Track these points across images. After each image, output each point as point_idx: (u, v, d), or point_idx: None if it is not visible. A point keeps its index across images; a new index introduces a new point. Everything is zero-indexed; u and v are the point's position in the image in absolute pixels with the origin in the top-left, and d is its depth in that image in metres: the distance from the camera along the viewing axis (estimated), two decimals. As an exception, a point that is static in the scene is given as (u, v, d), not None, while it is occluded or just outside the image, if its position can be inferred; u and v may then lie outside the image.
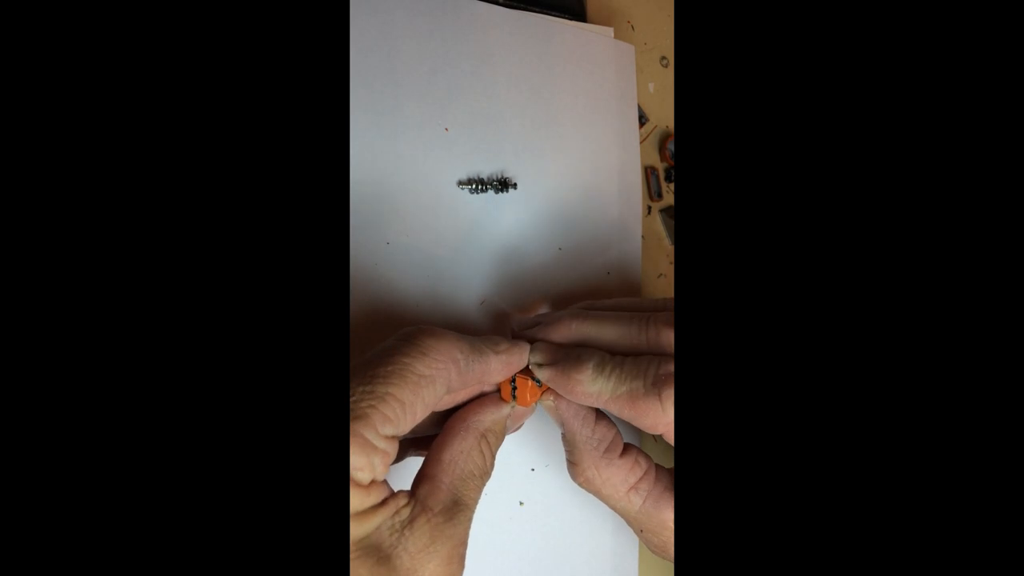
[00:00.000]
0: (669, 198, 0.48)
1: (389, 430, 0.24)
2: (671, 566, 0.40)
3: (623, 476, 0.31)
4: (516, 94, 0.41)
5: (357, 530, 0.23)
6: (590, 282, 0.42)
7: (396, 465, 0.33)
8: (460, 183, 0.39)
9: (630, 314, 0.32)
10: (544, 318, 0.34)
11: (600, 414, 0.32)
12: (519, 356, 0.31)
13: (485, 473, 0.29)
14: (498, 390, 0.32)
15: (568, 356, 0.31)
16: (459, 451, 0.28)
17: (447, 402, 0.31)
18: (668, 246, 0.47)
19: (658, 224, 0.47)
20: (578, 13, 0.44)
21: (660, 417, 0.28)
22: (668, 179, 0.48)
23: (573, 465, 0.32)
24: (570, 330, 0.32)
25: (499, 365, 0.30)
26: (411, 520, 0.24)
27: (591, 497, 0.33)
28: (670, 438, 0.29)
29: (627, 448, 0.32)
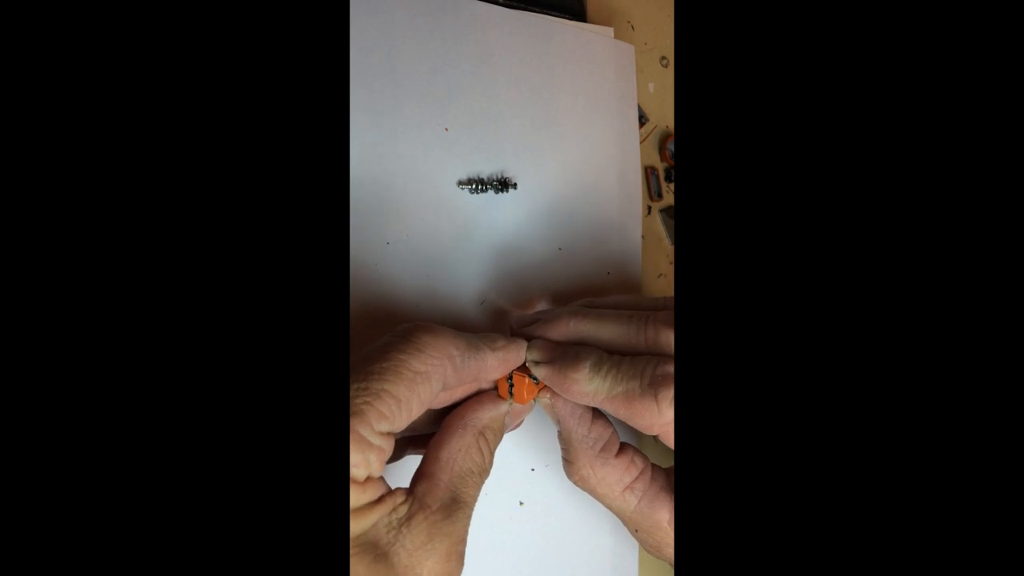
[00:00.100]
0: (669, 198, 0.48)
1: (385, 426, 0.24)
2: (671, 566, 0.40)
3: (618, 475, 0.31)
4: (516, 94, 0.41)
5: (354, 527, 0.23)
6: (590, 282, 0.42)
7: (394, 464, 0.33)
8: (460, 183, 0.39)
9: (629, 313, 0.31)
10: (543, 315, 0.34)
11: (597, 413, 0.32)
12: (516, 353, 0.31)
13: (484, 471, 0.29)
14: (495, 387, 0.32)
15: (565, 354, 0.31)
16: (457, 449, 0.28)
17: (444, 399, 0.31)
18: (668, 246, 0.47)
19: (658, 224, 0.47)
20: (578, 13, 0.44)
21: (656, 418, 0.28)
22: (668, 179, 0.48)
23: (569, 463, 0.32)
24: (568, 328, 0.32)
25: (496, 362, 0.30)
26: (409, 517, 0.24)
27: (591, 497, 0.33)
28: (666, 439, 0.29)
29: (623, 447, 0.32)
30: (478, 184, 0.39)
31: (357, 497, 0.23)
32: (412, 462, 0.29)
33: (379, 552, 0.23)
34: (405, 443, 0.32)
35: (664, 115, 0.48)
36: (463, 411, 0.30)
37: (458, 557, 0.26)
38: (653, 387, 0.28)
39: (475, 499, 0.28)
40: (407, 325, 0.28)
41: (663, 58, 0.49)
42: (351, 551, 0.23)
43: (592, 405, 0.31)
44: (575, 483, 0.32)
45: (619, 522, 0.33)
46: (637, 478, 0.31)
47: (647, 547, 0.32)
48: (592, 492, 0.32)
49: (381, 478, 0.25)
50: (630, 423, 0.29)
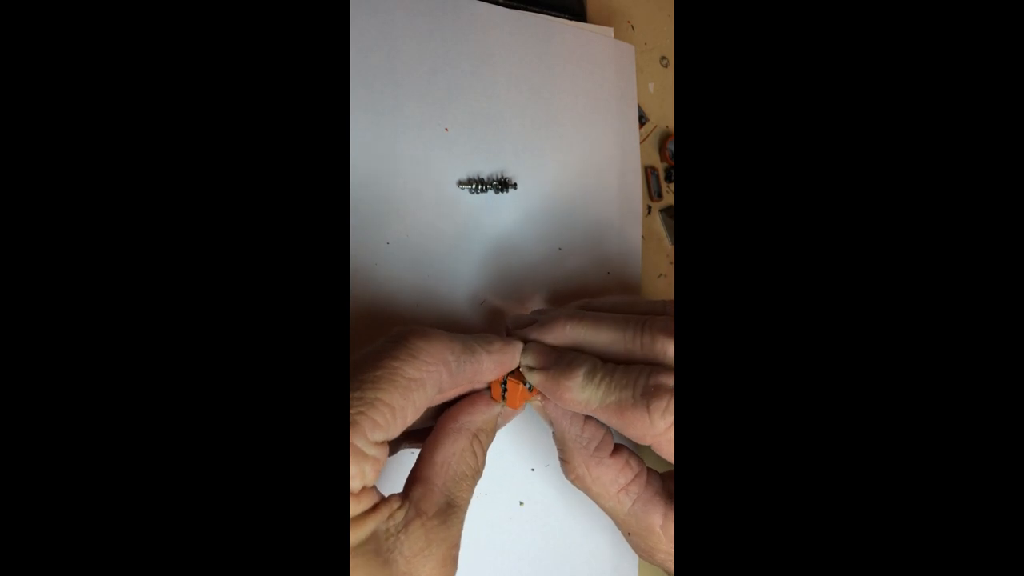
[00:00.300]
0: (669, 198, 0.48)
1: (379, 436, 0.24)
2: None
3: (612, 476, 0.31)
4: (516, 94, 0.41)
5: (351, 536, 0.23)
6: (590, 282, 0.42)
7: (389, 459, 0.33)
8: (460, 183, 0.39)
9: (626, 317, 0.31)
10: (539, 316, 0.33)
11: None
12: (511, 356, 0.31)
13: (477, 473, 0.29)
14: (488, 388, 0.32)
15: (559, 361, 0.30)
16: (451, 453, 0.28)
17: (438, 399, 0.30)
18: (668, 246, 0.47)
19: (658, 224, 0.47)
20: (578, 13, 0.44)
21: (648, 428, 0.28)
22: (668, 179, 0.48)
23: (565, 463, 0.32)
24: (564, 332, 0.32)
25: (491, 365, 0.30)
26: (406, 524, 0.24)
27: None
28: (659, 449, 0.29)
29: (618, 449, 0.32)
30: (478, 184, 0.39)
31: (352, 508, 0.23)
32: (407, 461, 0.29)
33: (377, 560, 0.23)
34: (399, 438, 0.32)
35: (664, 115, 0.48)
36: (456, 413, 0.30)
37: (453, 561, 0.26)
38: (646, 398, 0.28)
39: (468, 502, 0.28)
40: (401, 329, 0.28)
41: (663, 58, 0.49)
42: (350, 560, 0.23)
43: (586, 413, 0.31)
44: (572, 482, 0.32)
45: (618, 523, 0.33)
46: (632, 481, 0.31)
47: (639, 551, 0.32)
48: (587, 492, 0.32)
49: (374, 487, 0.25)
50: (623, 432, 0.29)
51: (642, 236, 0.44)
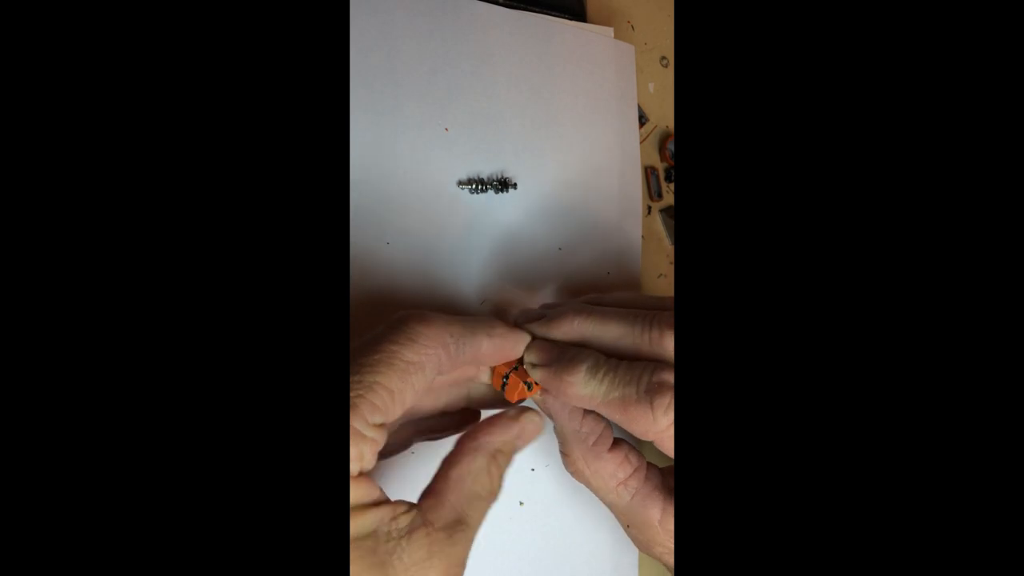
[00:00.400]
0: (669, 198, 0.48)
1: (378, 418, 0.24)
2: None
3: (612, 470, 0.31)
4: (516, 94, 0.41)
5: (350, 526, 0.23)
6: (590, 282, 0.42)
7: (402, 474, 0.33)
8: (460, 183, 0.39)
9: (634, 312, 0.31)
10: (548, 310, 0.33)
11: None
12: (513, 343, 0.31)
13: (492, 495, 0.28)
14: (502, 392, 0.32)
15: (562, 357, 0.31)
16: (468, 471, 0.28)
17: (440, 383, 0.31)
18: (668, 246, 0.47)
19: (658, 224, 0.47)
20: (578, 13, 0.44)
21: (651, 425, 0.28)
22: (668, 179, 0.48)
23: (565, 456, 0.33)
24: (572, 326, 0.32)
25: (491, 348, 0.30)
26: (410, 531, 0.24)
27: (591, 497, 0.33)
28: (661, 446, 0.29)
29: (617, 443, 0.32)
30: (478, 184, 0.39)
31: (350, 494, 0.23)
32: (415, 464, 0.29)
33: (375, 560, 0.23)
34: (411, 429, 0.32)
35: (664, 115, 0.48)
36: (476, 433, 0.30)
37: None
38: (649, 394, 0.28)
39: (479, 523, 0.27)
40: (401, 313, 0.28)
41: (663, 58, 0.49)
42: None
43: (589, 408, 0.31)
44: (572, 475, 0.33)
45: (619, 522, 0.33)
46: (631, 475, 0.31)
47: (638, 544, 0.33)
48: (587, 484, 0.32)
49: (380, 489, 0.25)
50: (626, 428, 0.29)
51: (642, 236, 0.44)
